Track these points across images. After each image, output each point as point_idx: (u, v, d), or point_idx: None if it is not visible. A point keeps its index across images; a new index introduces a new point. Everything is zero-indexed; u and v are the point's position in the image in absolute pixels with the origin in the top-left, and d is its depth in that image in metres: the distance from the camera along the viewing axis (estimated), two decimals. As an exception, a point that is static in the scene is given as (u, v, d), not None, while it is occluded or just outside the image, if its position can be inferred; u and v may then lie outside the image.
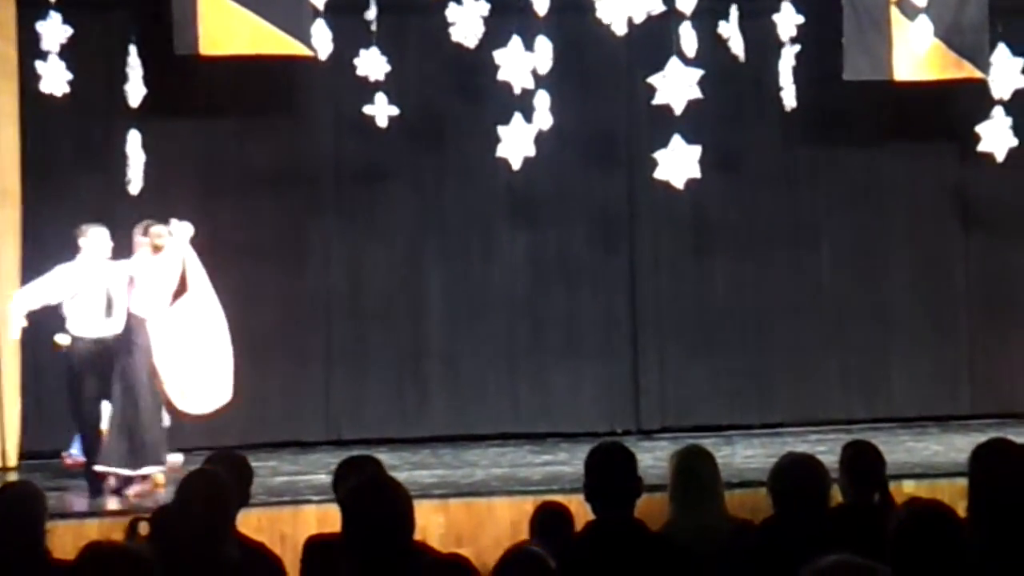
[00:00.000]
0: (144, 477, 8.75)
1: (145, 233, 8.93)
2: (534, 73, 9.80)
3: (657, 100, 9.86)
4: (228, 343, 9.25)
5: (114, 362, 8.77)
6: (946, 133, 11.36)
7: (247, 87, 10.57)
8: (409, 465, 9.58)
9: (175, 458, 9.21)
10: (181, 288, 9.12)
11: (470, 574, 3.61)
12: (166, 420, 9.38)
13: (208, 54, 9.64)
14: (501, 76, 9.80)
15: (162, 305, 8.93)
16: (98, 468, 8.75)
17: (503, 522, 7.98)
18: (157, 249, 8.90)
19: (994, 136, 10.57)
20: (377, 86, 9.92)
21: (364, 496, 3.64)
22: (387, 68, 9.92)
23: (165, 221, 9.42)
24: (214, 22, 9.55)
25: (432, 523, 7.81)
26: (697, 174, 10.03)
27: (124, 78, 9.67)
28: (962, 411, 11.60)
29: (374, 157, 10.88)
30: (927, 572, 3.55)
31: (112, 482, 8.74)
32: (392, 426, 10.96)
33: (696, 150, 9.96)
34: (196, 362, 9.08)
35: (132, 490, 8.67)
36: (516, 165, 10.06)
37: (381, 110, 9.94)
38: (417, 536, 3.91)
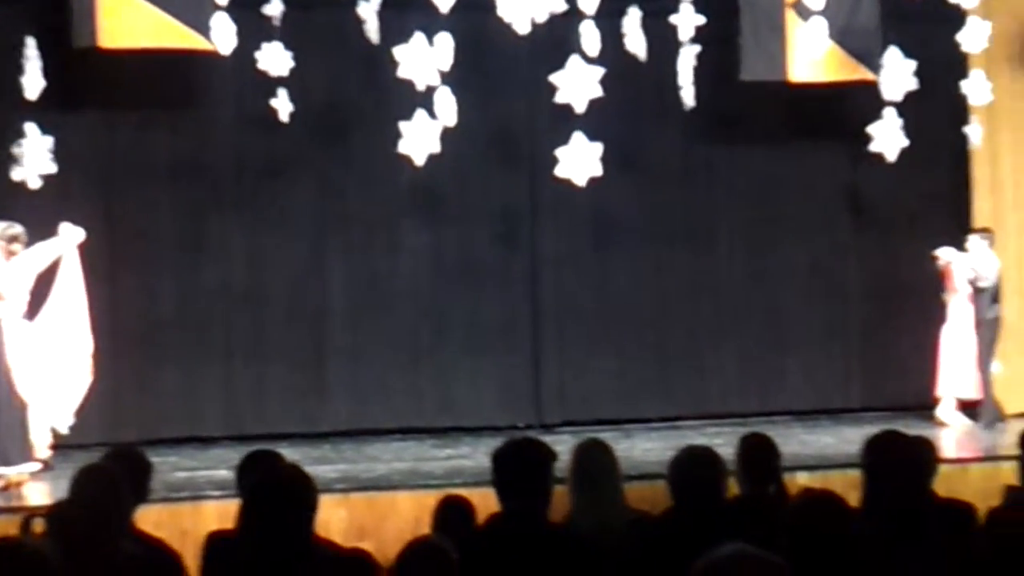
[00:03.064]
0: None
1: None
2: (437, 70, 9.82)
3: (559, 98, 9.93)
4: (85, 351, 9.30)
5: None
6: (839, 133, 11.59)
7: (147, 80, 10.45)
8: (311, 460, 9.52)
9: (43, 455, 9.12)
10: (46, 289, 9.11)
11: (372, 568, 3.63)
12: (61, 420, 9.29)
13: (108, 47, 9.52)
14: (401, 73, 9.81)
15: (19, 307, 8.87)
16: None
17: (406, 516, 8.00)
18: (11, 255, 8.89)
19: (885, 136, 10.80)
20: (279, 81, 9.88)
21: (271, 488, 3.64)
22: (290, 63, 9.88)
23: (63, 217, 9.35)
24: (114, 14, 9.42)
25: (334, 517, 7.80)
26: (598, 172, 10.12)
27: (21, 70, 9.53)
28: (853, 404, 11.86)
29: (276, 152, 10.83)
30: (820, 561, 3.64)
31: None
32: (294, 421, 10.93)
33: (597, 148, 10.04)
34: (51, 367, 9.09)
35: None
36: (419, 161, 10.08)
37: (283, 105, 9.90)
38: (319, 531, 3.93)
